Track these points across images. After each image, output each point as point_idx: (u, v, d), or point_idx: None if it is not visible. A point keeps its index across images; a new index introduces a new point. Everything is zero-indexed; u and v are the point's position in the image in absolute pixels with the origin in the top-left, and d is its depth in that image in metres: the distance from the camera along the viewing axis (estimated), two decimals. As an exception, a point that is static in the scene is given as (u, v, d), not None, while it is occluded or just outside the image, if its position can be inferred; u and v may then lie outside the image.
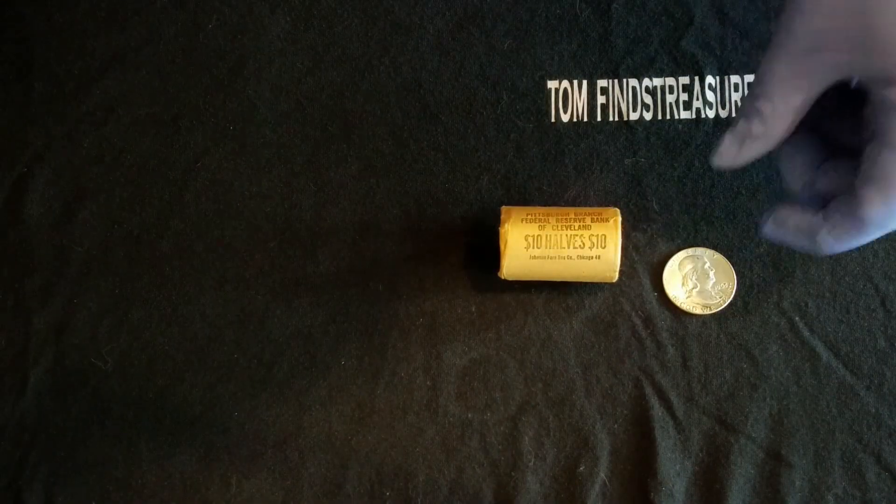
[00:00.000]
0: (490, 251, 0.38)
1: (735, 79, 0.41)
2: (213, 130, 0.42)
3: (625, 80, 0.41)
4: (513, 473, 0.38)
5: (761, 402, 0.38)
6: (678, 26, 0.41)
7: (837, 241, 0.31)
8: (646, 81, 0.41)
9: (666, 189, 0.40)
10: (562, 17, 0.41)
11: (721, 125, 0.40)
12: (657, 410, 0.38)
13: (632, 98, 0.41)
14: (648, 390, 0.39)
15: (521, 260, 0.37)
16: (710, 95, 0.41)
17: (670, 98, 0.41)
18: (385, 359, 0.40)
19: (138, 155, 0.42)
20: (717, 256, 0.39)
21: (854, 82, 0.30)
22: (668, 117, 0.41)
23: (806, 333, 0.39)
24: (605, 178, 0.40)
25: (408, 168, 0.41)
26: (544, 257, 0.36)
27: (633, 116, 0.41)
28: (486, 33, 0.42)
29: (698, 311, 0.39)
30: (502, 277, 0.37)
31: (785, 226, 0.33)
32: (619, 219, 0.37)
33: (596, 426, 0.38)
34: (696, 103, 0.41)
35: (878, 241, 0.34)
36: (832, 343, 0.38)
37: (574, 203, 0.40)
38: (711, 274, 0.39)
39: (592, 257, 0.36)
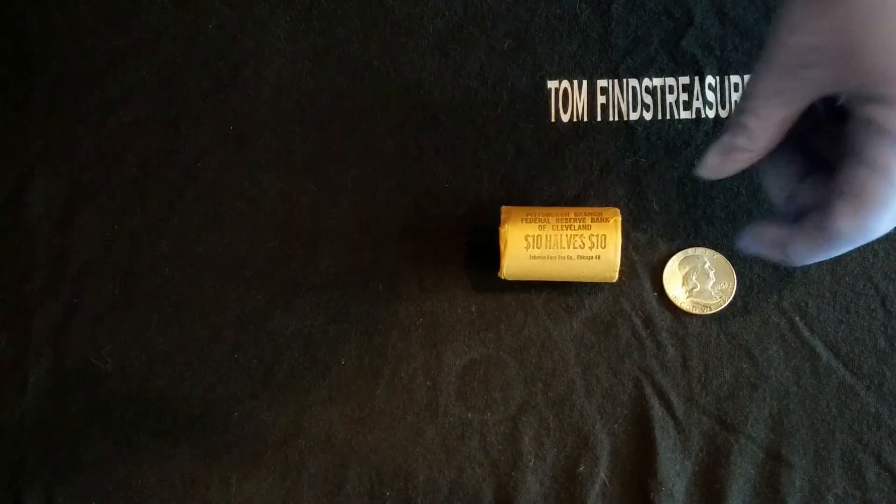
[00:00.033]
0: (490, 251, 0.38)
1: (735, 79, 0.41)
2: (213, 130, 0.42)
3: (625, 80, 0.41)
4: (513, 473, 0.38)
5: (761, 402, 0.38)
6: (678, 26, 0.41)
7: (808, 254, 0.32)
8: (646, 81, 0.41)
9: (666, 189, 0.40)
10: (562, 17, 0.41)
11: (721, 125, 0.40)
12: (657, 410, 0.38)
13: (632, 98, 0.41)
14: (648, 390, 0.39)
15: (521, 260, 0.37)
16: (710, 95, 0.41)
17: (670, 98, 0.41)
18: (385, 359, 0.40)
19: (138, 155, 0.42)
20: (717, 256, 0.39)
21: (842, 99, 0.30)
22: (668, 117, 0.41)
23: (806, 333, 0.39)
24: (605, 178, 0.40)
25: (408, 168, 0.41)
26: (544, 257, 0.36)
27: (633, 116, 0.41)
28: (486, 33, 0.42)
29: (698, 311, 0.39)
30: (502, 277, 0.37)
31: (760, 239, 0.34)
32: (619, 219, 0.37)
33: (596, 426, 0.38)
34: (696, 103, 0.41)
35: (878, 241, 0.34)
36: (832, 343, 0.38)
37: (574, 202, 0.40)
38: (711, 274, 0.39)
39: (592, 257, 0.36)
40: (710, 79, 0.41)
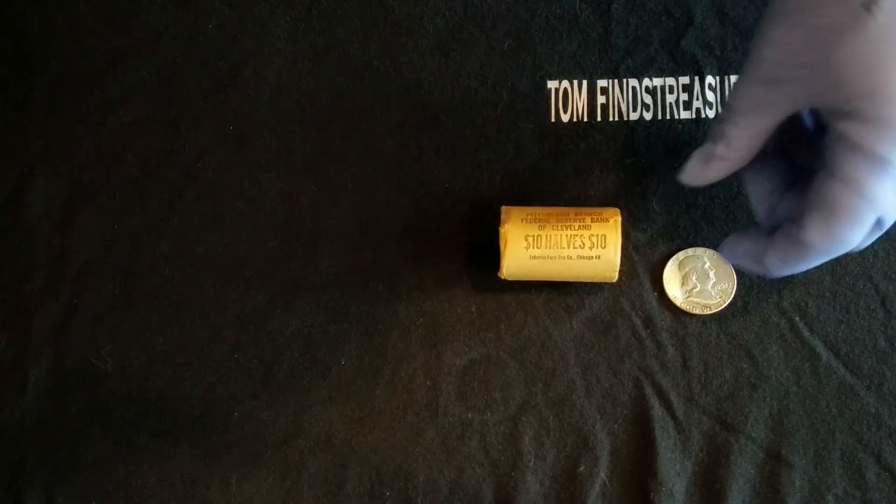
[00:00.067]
0: (490, 251, 0.38)
1: (735, 79, 0.41)
2: (213, 130, 0.42)
3: (625, 80, 0.41)
4: (513, 473, 0.38)
5: (761, 402, 0.38)
6: (678, 26, 0.41)
7: (783, 265, 0.32)
8: (646, 81, 0.41)
9: (666, 189, 0.40)
10: (562, 17, 0.41)
11: (721, 125, 0.40)
12: (657, 410, 0.38)
13: (632, 98, 0.41)
14: (648, 390, 0.39)
15: (521, 260, 0.37)
16: (710, 95, 0.41)
17: (670, 98, 0.41)
18: (385, 359, 0.40)
19: (138, 155, 0.42)
20: (717, 256, 0.39)
21: (819, 113, 0.31)
22: (668, 117, 0.41)
23: (806, 333, 0.39)
24: (605, 178, 0.40)
25: (408, 168, 0.41)
26: (544, 257, 0.36)
27: (633, 116, 0.41)
28: (486, 33, 0.42)
29: (698, 311, 0.39)
30: (502, 277, 0.37)
31: (737, 251, 0.34)
32: (619, 219, 0.37)
33: (596, 426, 0.39)
34: (696, 103, 0.41)
35: (878, 241, 0.34)
36: (832, 343, 0.38)
37: (574, 202, 0.40)
38: (711, 274, 0.39)
39: (592, 257, 0.36)
40: (710, 79, 0.41)
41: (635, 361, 0.39)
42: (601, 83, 0.41)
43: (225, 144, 0.42)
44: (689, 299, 0.39)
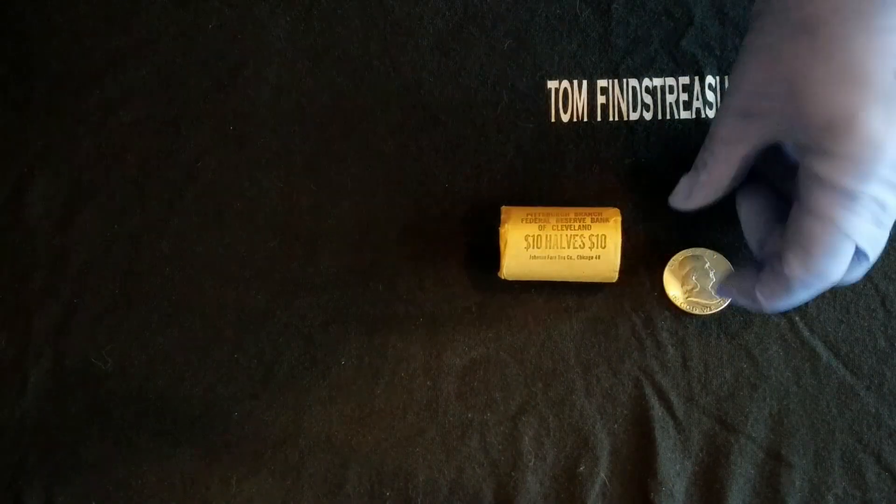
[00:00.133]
0: (490, 251, 0.38)
1: (735, 79, 0.41)
2: (213, 130, 0.42)
3: (625, 80, 0.41)
4: (513, 473, 0.38)
5: (761, 402, 0.38)
6: (678, 26, 0.41)
7: (772, 300, 0.33)
8: (646, 81, 0.41)
9: (666, 189, 0.40)
10: (562, 17, 0.41)
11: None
12: (657, 410, 0.38)
13: (632, 98, 0.41)
14: (648, 390, 0.39)
15: (521, 260, 0.37)
16: (710, 95, 0.41)
17: (670, 98, 0.41)
18: (385, 359, 0.40)
19: (138, 155, 0.42)
20: (717, 256, 0.39)
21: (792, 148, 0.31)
22: (668, 117, 0.41)
23: (806, 333, 0.39)
24: (605, 178, 0.40)
25: (408, 168, 0.41)
26: (544, 257, 0.36)
27: (633, 116, 0.41)
28: (486, 33, 0.42)
29: (698, 311, 0.39)
30: (502, 277, 0.37)
31: (731, 289, 0.35)
32: (619, 219, 0.37)
33: (596, 426, 0.38)
34: (696, 103, 0.41)
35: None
36: (832, 343, 0.38)
37: (574, 202, 0.40)
38: (711, 274, 0.39)
39: (592, 257, 0.36)
40: (710, 79, 0.41)
41: (635, 361, 0.39)
42: (601, 83, 0.41)
43: (225, 144, 0.42)
44: (689, 299, 0.39)
